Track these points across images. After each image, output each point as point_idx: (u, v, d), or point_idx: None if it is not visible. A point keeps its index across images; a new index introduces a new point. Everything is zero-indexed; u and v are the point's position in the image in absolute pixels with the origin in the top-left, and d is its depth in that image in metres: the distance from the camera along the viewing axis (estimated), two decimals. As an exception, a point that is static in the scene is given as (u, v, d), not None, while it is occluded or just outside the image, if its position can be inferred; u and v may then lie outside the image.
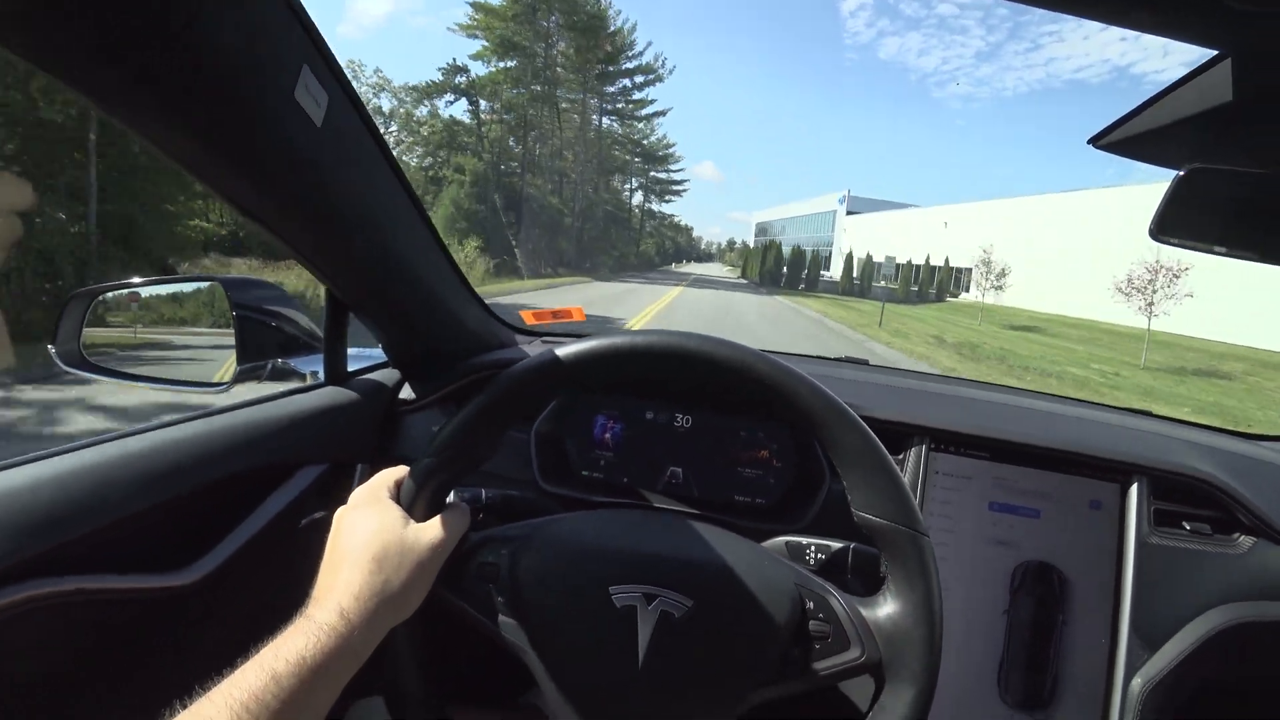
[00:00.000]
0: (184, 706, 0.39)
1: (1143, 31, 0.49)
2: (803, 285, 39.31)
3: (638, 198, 55.51)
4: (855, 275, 39.48)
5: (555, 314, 1.09)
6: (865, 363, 1.16)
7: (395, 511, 0.50)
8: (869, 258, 41.16)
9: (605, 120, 41.21)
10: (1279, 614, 0.82)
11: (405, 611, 0.48)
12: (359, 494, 0.53)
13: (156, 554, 0.66)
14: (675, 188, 54.59)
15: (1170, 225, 0.55)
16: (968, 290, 36.31)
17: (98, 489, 0.61)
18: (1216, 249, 0.56)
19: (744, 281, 44.81)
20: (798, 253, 41.47)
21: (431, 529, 0.50)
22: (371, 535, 0.48)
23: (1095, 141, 0.67)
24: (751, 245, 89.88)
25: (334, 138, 0.59)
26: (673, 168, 51.42)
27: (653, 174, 51.61)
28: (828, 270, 46.32)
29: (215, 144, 0.52)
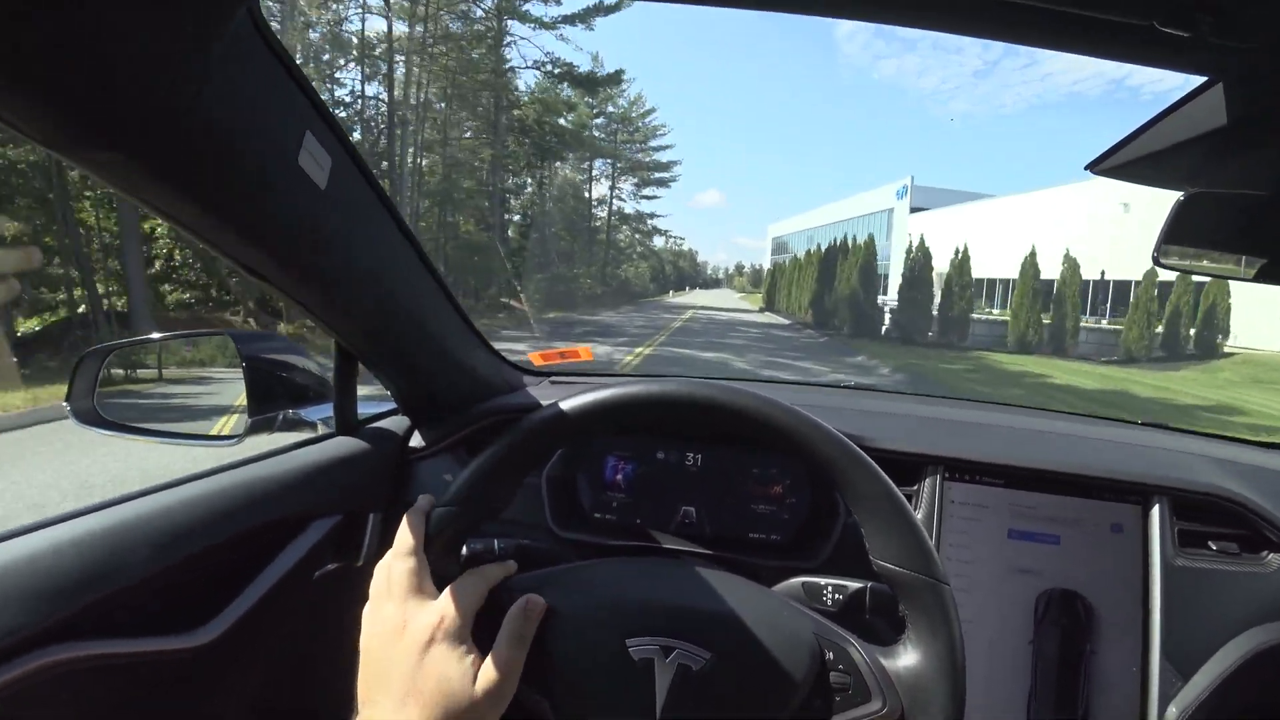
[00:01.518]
0: None
1: (1130, 63, 0.49)
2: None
3: (600, 190, 37.95)
4: (946, 306, 21.70)
5: (563, 354, 1.10)
6: (873, 389, 1.15)
7: (447, 647, 0.47)
8: (958, 273, 21.49)
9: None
10: None
11: None
12: (383, 588, 0.51)
13: (170, 615, 0.66)
14: (663, 175, 36.85)
15: (1173, 249, 0.55)
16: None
17: (111, 554, 0.61)
18: (1219, 272, 0.56)
19: (780, 322, 28.04)
20: (864, 258, 23.23)
21: (488, 675, 0.46)
22: (430, 674, 0.46)
23: (1093, 167, 0.67)
24: (767, 265, 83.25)
25: (338, 198, 0.61)
26: (656, 144, 36.00)
27: (626, 152, 34.99)
28: (884, 294, 27.58)
29: (220, 214, 0.53)
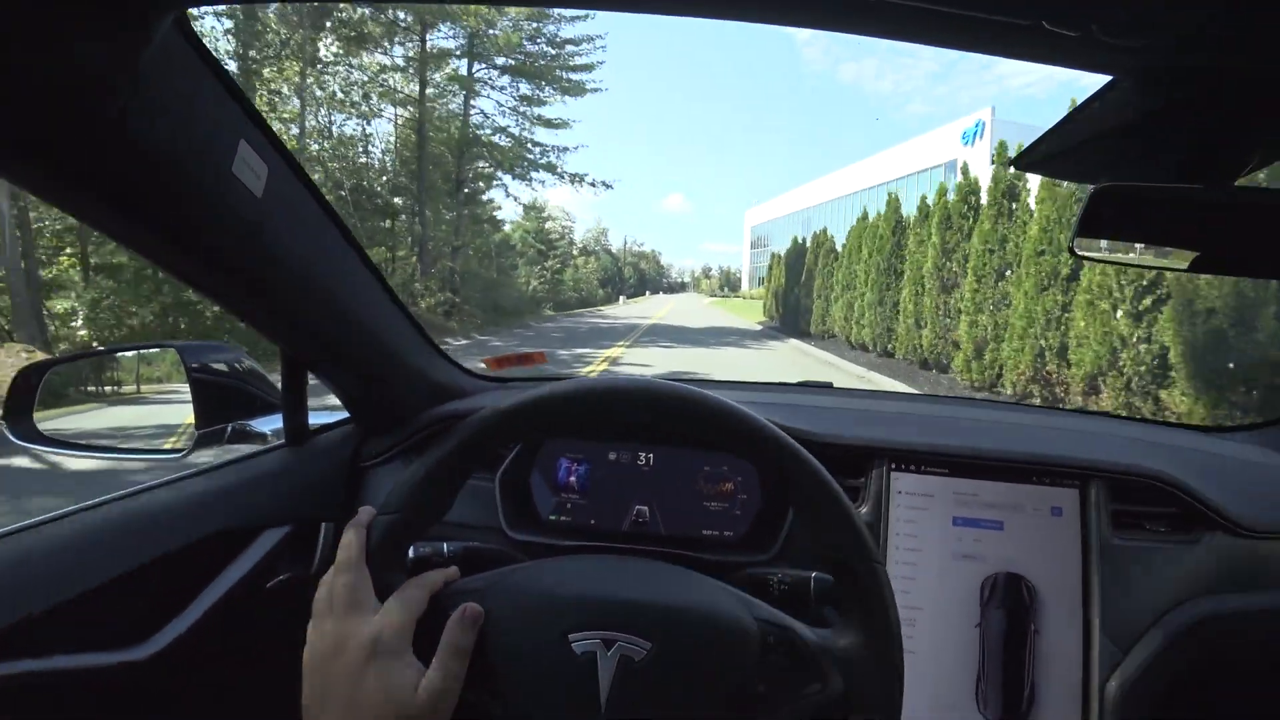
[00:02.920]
0: None
1: (1040, 63, 0.51)
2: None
3: (488, 105, 24.09)
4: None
5: (520, 358, 1.10)
6: (829, 386, 1.17)
7: (387, 661, 0.47)
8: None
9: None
10: (1239, 605, 0.83)
11: None
12: (324, 604, 0.50)
13: (116, 629, 0.65)
14: (574, 76, 20.35)
15: (1086, 241, 0.57)
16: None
17: (50, 568, 0.60)
18: (1132, 262, 0.58)
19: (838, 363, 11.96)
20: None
21: (430, 687, 0.46)
22: (372, 691, 0.46)
23: (1016, 163, 0.70)
24: (746, 265, 75.32)
25: (276, 205, 0.60)
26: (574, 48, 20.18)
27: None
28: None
29: (154, 225, 0.52)
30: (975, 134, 23.81)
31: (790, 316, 20.11)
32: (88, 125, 0.42)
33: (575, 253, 58.91)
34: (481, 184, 22.06)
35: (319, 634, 0.49)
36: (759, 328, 23.00)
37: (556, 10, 18.97)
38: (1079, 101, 0.56)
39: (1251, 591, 0.84)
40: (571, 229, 58.44)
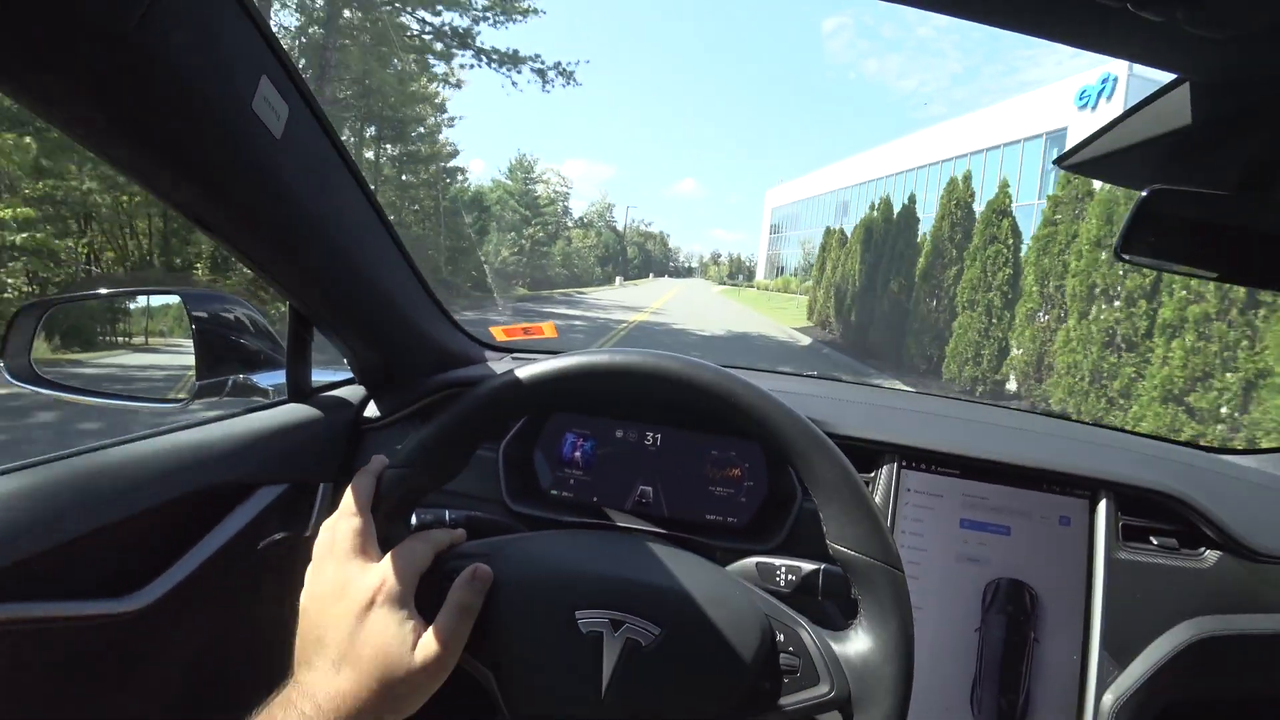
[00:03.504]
0: None
1: (1106, 54, 0.49)
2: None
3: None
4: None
5: (526, 330, 1.08)
6: (839, 379, 1.16)
7: (387, 611, 0.45)
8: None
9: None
10: (1242, 627, 0.83)
11: (407, 714, 0.46)
12: (326, 547, 0.49)
13: (103, 578, 0.63)
14: None
15: (1135, 244, 0.55)
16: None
17: (42, 511, 0.58)
18: (1179, 268, 0.56)
19: None
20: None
21: (428, 644, 0.45)
22: (368, 639, 0.44)
23: (1061, 162, 0.68)
24: (763, 252, 60.22)
25: (295, 150, 0.58)
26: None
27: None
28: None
29: (167, 155, 0.50)
30: (1100, 94, 16.82)
31: (861, 330, 13.32)
32: (104, 29, 0.39)
33: (570, 224, 54.68)
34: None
35: (319, 577, 0.48)
36: (808, 342, 15.45)
37: None
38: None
39: (1255, 614, 0.84)
40: (567, 195, 53.79)
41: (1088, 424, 1.08)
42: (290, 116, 0.56)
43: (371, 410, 0.92)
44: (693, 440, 0.88)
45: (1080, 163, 0.65)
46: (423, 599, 0.47)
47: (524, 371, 0.51)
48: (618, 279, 53.64)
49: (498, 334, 1.09)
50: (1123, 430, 1.07)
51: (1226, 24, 0.37)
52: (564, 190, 53.06)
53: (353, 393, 0.93)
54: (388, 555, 0.48)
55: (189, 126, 0.48)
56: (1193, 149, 0.56)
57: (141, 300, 1.11)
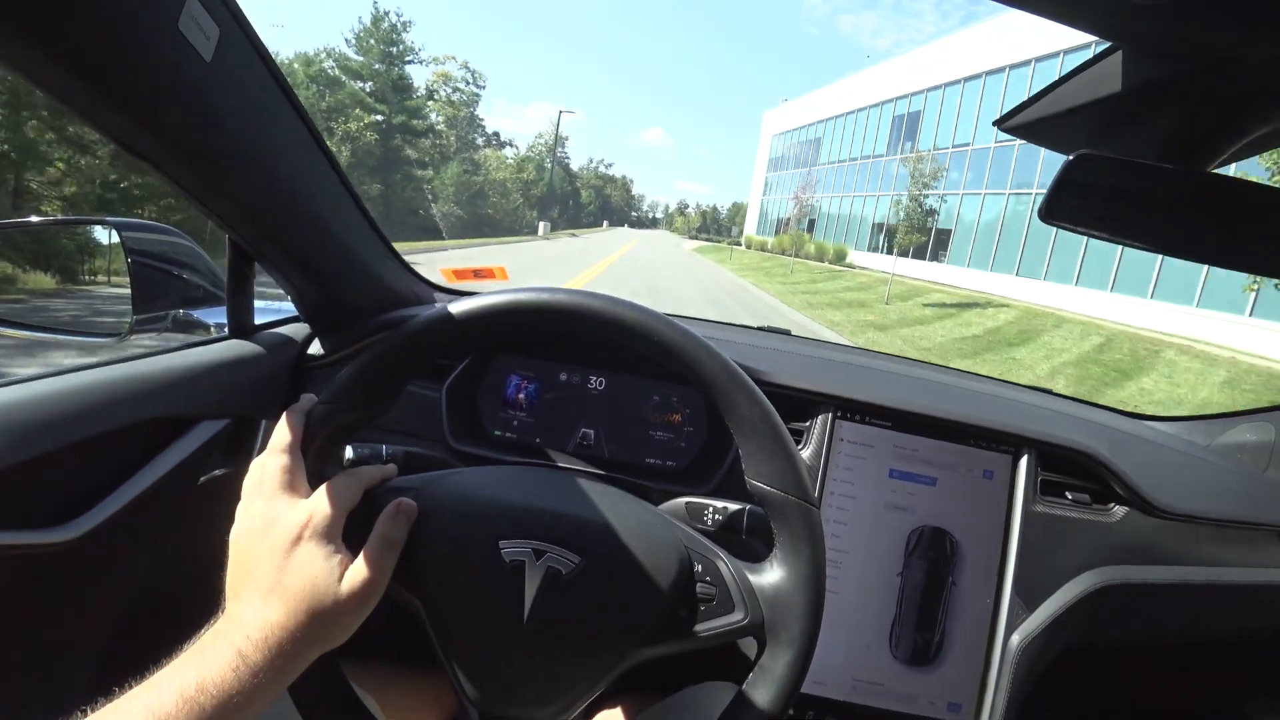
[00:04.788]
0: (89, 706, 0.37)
1: (1044, 17, 0.50)
2: None
3: None
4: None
5: (477, 272, 1.07)
6: (788, 333, 1.18)
7: (315, 545, 0.46)
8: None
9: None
10: (1142, 577, 0.89)
11: (336, 643, 0.47)
12: (254, 484, 0.49)
13: (36, 510, 0.63)
14: None
15: (1058, 208, 0.57)
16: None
17: None
18: (1102, 234, 0.58)
19: None
20: None
21: (354, 576, 0.46)
22: (295, 572, 0.45)
23: (1001, 124, 0.69)
24: (751, 202, 49.85)
25: (227, 74, 0.56)
26: None
27: None
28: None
29: (89, 76, 0.47)
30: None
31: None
32: None
33: (481, 141, 40.07)
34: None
35: (248, 513, 0.49)
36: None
37: None
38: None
39: (1153, 565, 0.90)
40: (476, 99, 39.59)
41: (1018, 385, 1.12)
42: (221, 38, 0.53)
43: (315, 348, 0.91)
44: (636, 385, 0.90)
45: (1018, 125, 0.66)
46: (351, 533, 0.48)
47: (452, 308, 0.51)
48: (542, 226, 35.80)
49: (448, 276, 1.08)
50: (1050, 392, 1.12)
51: None
52: (473, 91, 39.13)
53: (297, 330, 0.91)
54: (316, 491, 0.48)
55: (108, 47, 0.46)
56: (1122, 117, 0.58)
57: (76, 230, 1.07)
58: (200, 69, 0.53)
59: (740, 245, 44.22)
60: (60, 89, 0.49)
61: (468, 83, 40.04)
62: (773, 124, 46.18)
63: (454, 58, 39.33)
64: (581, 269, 17.32)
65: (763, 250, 35.34)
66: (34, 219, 0.96)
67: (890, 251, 20.19)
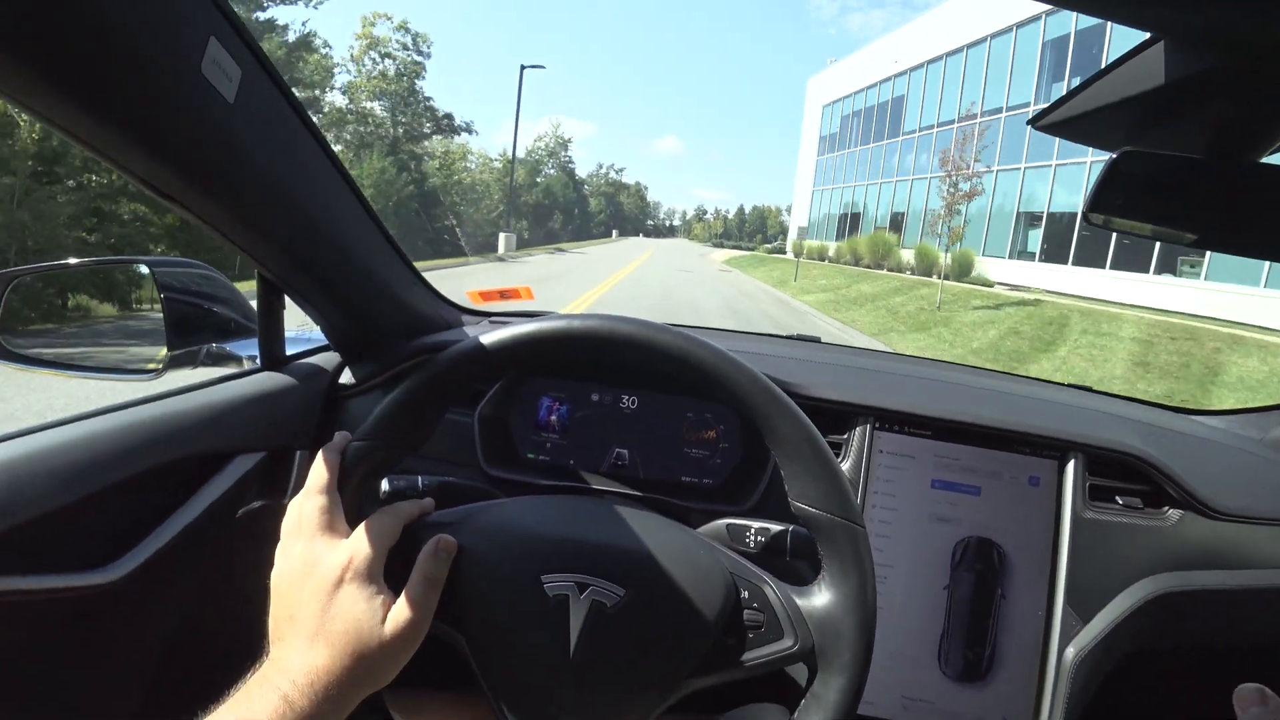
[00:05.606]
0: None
1: (1078, 11, 0.48)
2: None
3: None
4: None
5: (503, 294, 1.07)
6: (818, 340, 1.16)
7: (356, 587, 0.46)
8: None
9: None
10: (1201, 583, 0.85)
11: (382, 684, 0.47)
12: (293, 526, 0.49)
13: (78, 552, 0.63)
14: None
15: (1103, 205, 0.55)
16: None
17: (14, 486, 0.58)
18: (1147, 231, 0.56)
19: None
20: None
21: (398, 616, 0.46)
22: (339, 615, 0.45)
23: (1035, 123, 0.67)
24: (794, 201, 37.86)
25: (250, 113, 0.56)
26: None
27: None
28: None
29: (118, 124, 0.48)
30: None
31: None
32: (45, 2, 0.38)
33: (426, 128, 30.90)
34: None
35: (287, 556, 0.48)
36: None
37: None
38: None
39: (1213, 571, 0.86)
40: (420, 68, 30.41)
41: (1059, 385, 1.09)
42: (243, 79, 0.54)
43: (347, 377, 0.91)
44: (668, 403, 0.89)
45: (1054, 123, 0.64)
46: (392, 570, 0.48)
47: (485, 339, 0.51)
48: (504, 240, 25.69)
49: (474, 298, 1.08)
50: (1093, 390, 1.08)
51: None
52: (411, 59, 30.41)
53: (327, 359, 0.92)
54: (355, 531, 0.48)
55: (134, 94, 0.46)
56: (1165, 111, 0.55)
57: (110, 270, 1.09)
58: (224, 110, 0.53)
59: (786, 253, 34.07)
60: (87, 135, 0.50)
61: (405, 48, 30.66)
62: (821, 92, 33.81)
63: (387, 16, 30.36)
64: (591, 287, 14.12)
65: (824, 259, 25.82)
66: (72, 260, 0.98)
67: (1054, 259, 15.18)
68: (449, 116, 32.69)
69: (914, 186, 23.22)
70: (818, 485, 0.49)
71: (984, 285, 15.78)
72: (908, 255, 19.82)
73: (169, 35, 0.46)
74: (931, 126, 22.09)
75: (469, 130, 33.38)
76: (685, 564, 0.49)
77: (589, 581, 0.48)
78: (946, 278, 14.58)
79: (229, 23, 0.51)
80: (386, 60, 30.47)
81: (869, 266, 21.37)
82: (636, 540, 0.50)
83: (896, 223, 23.97)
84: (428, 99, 31.94)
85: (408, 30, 30.60)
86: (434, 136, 32.27)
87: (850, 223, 28.59)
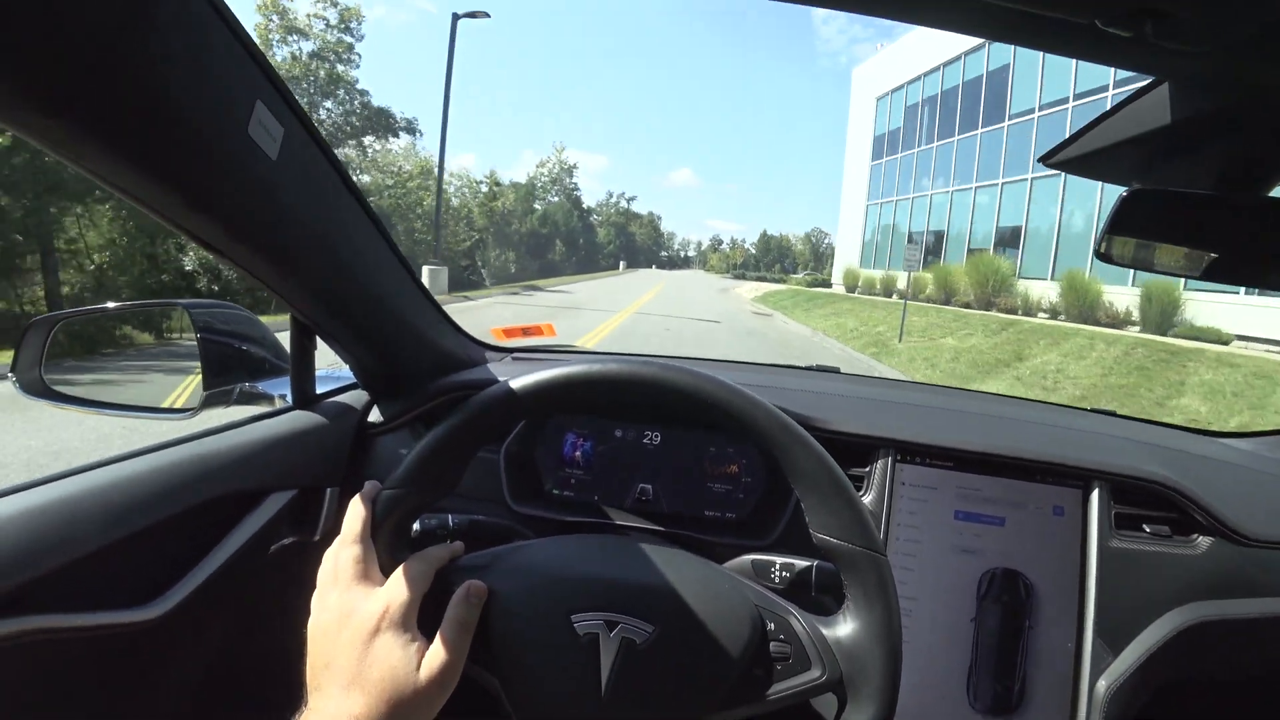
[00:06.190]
0: None
1: (1078, 59, 0.50)
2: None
3: None
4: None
5: (526, 330, 1.10)
6: (837, 371, 1.17)
7: (392, 635, 0.47)
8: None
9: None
10: (1236, 612, 0.84)
11: None
12: (329, 575, 0.51)
13: (122, 589, 0.65)
14: None
15: (1115, 244, 0.56)
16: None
17: (63, 526, 0.60)
18: (1160, 267, 0.57)
19: None
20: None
21: (432, 662, 0.47)
22: (375, 663, 0.46)
23: (1046, 159, 0.68)
24: (840, 220, 29.48)
25: (290, 168, 0.59)
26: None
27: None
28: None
29: (168, 183, 0.51)
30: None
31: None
32: (109, 76, 0.41)
33: (356, 123, 25.11)
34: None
35: (323, 605, 0.50)
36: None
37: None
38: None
39: (1246, 599, 0.85)
40: (349, 49, 24.34)
41: (1082, 410, 1.09)
42: (285, 136, 0.57)
43: (375, 415, 0.93)
44: (691, 438, 0.90)
45: (1066, 160, 0.66)
46: (425, 615, 0.49)
47: (513, 384, 0.53)
48: (426, 274, 15.58)
49: (498, 335, 1.11)
50: (1114, 414, 1.08)
51: (1194, 40, 0.38)
52: (335, 40, 24.13)
53: (356, 397, 0.94)
54: (390, 579, 0.50)
55: (188, 157, 0.49)
56: (1173, 149, 0.57)
57: (147, 313, 1.13)
58: (267, 167, 0.56)
59: (831, 286, 27.36)
60: (139, 192, 0.53)
61: (327, 25, 24.12)
62: (872, 82, 26.62)
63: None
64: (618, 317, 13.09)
65: (890, 294, 19.05)
66: (110, 305, 1.02)
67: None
68: (385, 113, 26.18)
69: (1037, 189, 16.30)
70: (838, 517, 0.50)
71: (1216, 341, 9.94)
72: (1040, 290, 14.18)
73: (222, 105, 0.50)
74: (1062, 102, 15.35)
75: (412, 131, 26.92)
76: (711, 598, 0.50)
77: (618, 619, 0.49)
78: (1014, 310, 11.14)
79: (274, 86, 0.55)
80: (298, 39, 23.84)
81: (968, 305, 14.89)
82: (662, 577, 0.52)
83: (1006, 240, 17.56)
84: (364, 93, 25.70)
85: (334, 2, 23.86)
86: (366, 136, 26.33)
87: (929, 247, 20.28)
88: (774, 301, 22.41)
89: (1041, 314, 13.61)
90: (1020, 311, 14.05)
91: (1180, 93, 0.53)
